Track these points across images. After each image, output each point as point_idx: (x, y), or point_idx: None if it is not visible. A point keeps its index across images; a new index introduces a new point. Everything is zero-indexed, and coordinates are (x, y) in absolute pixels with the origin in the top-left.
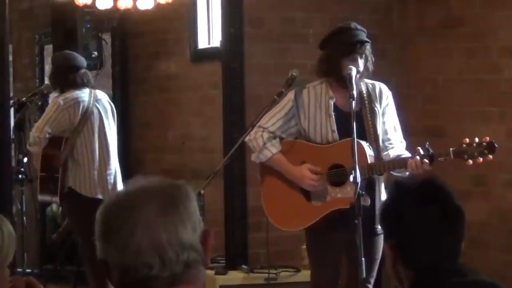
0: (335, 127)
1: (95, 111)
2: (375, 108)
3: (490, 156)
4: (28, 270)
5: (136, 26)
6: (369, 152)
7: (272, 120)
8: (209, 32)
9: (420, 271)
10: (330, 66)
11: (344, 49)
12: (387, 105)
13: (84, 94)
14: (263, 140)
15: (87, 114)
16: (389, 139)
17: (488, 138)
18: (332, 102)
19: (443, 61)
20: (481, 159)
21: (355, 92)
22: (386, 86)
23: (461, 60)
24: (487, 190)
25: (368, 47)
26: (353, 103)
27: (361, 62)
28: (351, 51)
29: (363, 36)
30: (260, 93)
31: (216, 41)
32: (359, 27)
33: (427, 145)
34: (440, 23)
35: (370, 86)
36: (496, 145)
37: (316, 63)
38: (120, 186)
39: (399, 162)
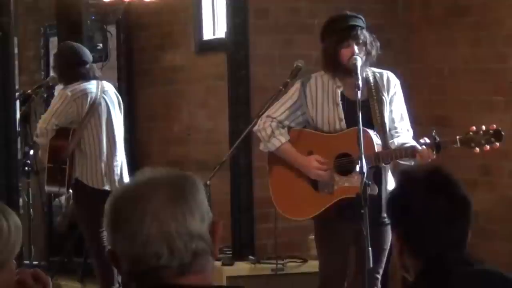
0: (342, 116)
1: (103, 102)
2: (383, 97)
3: (497, 144)
4: (35, 263)
5: (141, 18)
6: (377, 140)
7: (280, 109)
8: (214, 23)
9: (427, 260)
10: (330, 58)
11: (337, 37)
12: (394, 93)
13: (92, 86)
14: (272, 129)
15: (94, 106)
16: (395, 128)
17: (494, 126)
18: (339, 91)
19: (449, 50)
20: (488, 147)
21: (360, 82)
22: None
23: (467, 50)
24: (494, 180)
25: (363, 32)
26: (359, 92)
27: (357, 48)
28: (343, 38)
29: (356, 21)
30: (265, 84)
31: (221, 32)
32: (351, 14)
33: (433, 133)
34: (446, 12)
35: (378, 75)
36: (503, 133)
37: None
38: (126, 179)
39: (406, 151)
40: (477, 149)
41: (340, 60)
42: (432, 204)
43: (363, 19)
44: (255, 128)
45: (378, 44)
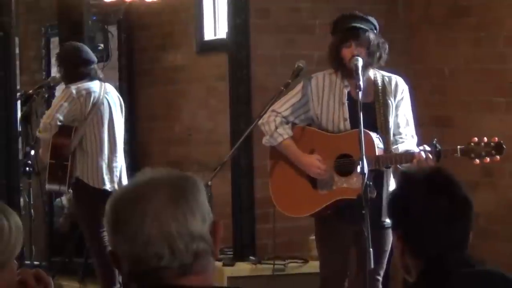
0: (347, 116)
1: (105, 102)
2: (389, 101)
3: (498, 157)
4: (36, 263)
5: (142, 18)
6: (378, 144)
7: (286, 105)
8: (215, 24)
9: (428, 261)
10: (333, 56)
11: (340, 36)
12: (401, 98)
13: (95, 85)
14: (276, 124)
15: (97, 105)
16: (400, 133)
17: (496, 139)
18: (346, 91)
19: (450, 51)
20: (488, 159)
21: (361, 83)
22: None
23: (468, 50)
24: (495, 181)
25: (367, 34)
26: (360, 93)
27: (358, 49)
28: (345, 38)
29: (361, 23)
30: (266, 84)
31: (222, 32)
32: (360, 14)
33: (434, 142)
34: (446, 13)
35: (387, 79)
36: (504, 146)
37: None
38: (124, 181)
39: (406, 157)
40: (477, 161)
41: (342, 59)
42: (433, 205)
43: (374, 22)
44: (260, 121)
45: (386, 46)
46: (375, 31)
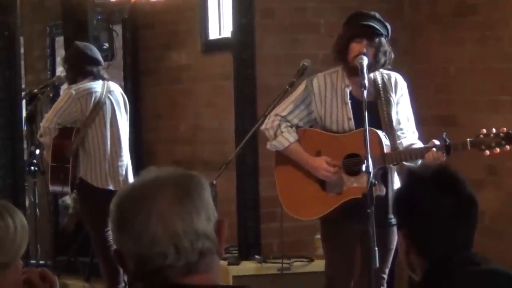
0: (351, 115)
1: (108, 102)
2: (390, 98)
3: (508, 147)
4: (41, 262)
5: (147, 17)
6: (385, 141)
7: (288, 108)
8: (220, 23)
9: (433, 260)
10: (339, 47)
11: (352, 31)
12: (401, 95)
13: (97, 85)
14: (280, 128)
15: (99, 105)
16: (401, 129)
17: (505, 129)
18: (348, 90)
19: (455, 50)
20: (498, 150)
21: (366, 82)
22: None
23: (473, 49)
24: (500, 180)
25: (381, 38)
26: (365, 92)
27: (369, 49)
28: (358, 33)
29: (378, 26)
30: (271, 83)
31: (227, 31)
32: (380, 18)
33: (444, 135)
34: (452, 12)
35: (386, 76)
36: None
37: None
38: (130, 179)
39: (416, 153)
40: (487, 152)
41: (348, 54)
42: (439, 203)
43: (389, 29)
44: (263, 126)
45: (392, 56)
46: (386, 39)
